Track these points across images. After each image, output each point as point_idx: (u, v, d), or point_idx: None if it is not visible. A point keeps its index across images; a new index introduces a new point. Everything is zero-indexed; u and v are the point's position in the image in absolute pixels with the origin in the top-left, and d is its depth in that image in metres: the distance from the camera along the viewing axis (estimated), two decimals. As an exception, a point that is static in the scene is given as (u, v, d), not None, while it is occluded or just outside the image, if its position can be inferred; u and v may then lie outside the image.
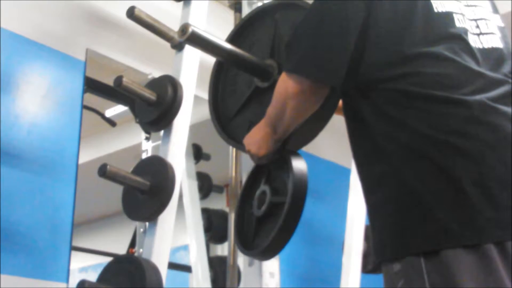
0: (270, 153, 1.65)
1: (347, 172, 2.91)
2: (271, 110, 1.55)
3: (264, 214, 1.71)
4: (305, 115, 1.52)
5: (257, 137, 1.64)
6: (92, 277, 1.91)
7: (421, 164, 1.30)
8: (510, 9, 3.21)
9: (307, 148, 1.93)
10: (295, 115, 1.50)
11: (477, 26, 1.46)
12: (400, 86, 1.35)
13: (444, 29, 1.40)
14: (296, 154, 1.70)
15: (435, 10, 1.42)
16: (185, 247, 3.41)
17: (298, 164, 1.67)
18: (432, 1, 1.43)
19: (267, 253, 1.72)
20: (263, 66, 1.83)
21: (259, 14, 1.95)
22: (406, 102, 1.34)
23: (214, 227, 3.38)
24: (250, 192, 1.82)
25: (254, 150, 1.65)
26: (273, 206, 1.70)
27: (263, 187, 1.74)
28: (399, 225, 1.31)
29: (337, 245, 3.09)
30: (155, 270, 1.86)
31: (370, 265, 2.90)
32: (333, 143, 2.87)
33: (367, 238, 2.90)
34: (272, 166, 1.75)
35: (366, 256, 2.89)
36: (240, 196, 1.85)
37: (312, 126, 1.67)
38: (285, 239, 1.66)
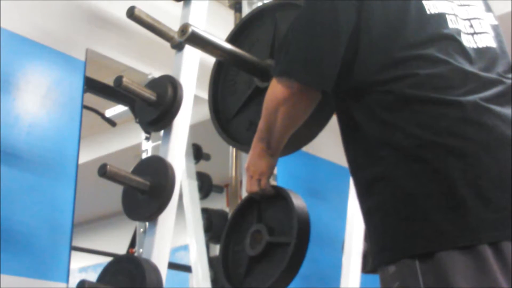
0: (271, 171, 1.61)
1: (347, 172, 2.88)
2: (261, 123, 1.52)
3: (259, 253, 1.66)
4: (296, 122, 1.49)
5: (253, 158, 1.59)
6: (92, 277, 1.91)
7: (415, 167, 1.29)
8: (510, 9, 3.21)
9: (307, 148, 1.93)
10: (287, 122, 1.47)
11: (471, 26, 1.45)
12: (396, 88, 1.33)
13: (437, 31, 1.39)
14: (292, 192, 1.66)
15: (428, 12, 1.40)
16: (185, 247, 3.41)
17: (299, 203, 1.63)
18: (424, 3, 1.41)
19: None
20: (263, 66, 1.83)
21: (259, 14, 1.95)
22: (399, 105, 1.33)
23: (214, 227, 3.38)
24: (236, 228, 1.77)
25: (253, 171, 1.60)
26: (270, 246, 1.65)
27: (257, 226, 1.69)
28: (394, 228, 1.30)
29: (337, 245, 3.09)
30: (155, 270, 1.86)
31: (370, 265, 2.90)
32: (333, 143, 2.85)
33: (367, 238, 2.89)
34: (263, 205, 1.71)
35: (366, 256, 2.89)
36: (225, 232, 1.78)
37: (311, 128, 1.67)
38: (289, 281, 1.61)
